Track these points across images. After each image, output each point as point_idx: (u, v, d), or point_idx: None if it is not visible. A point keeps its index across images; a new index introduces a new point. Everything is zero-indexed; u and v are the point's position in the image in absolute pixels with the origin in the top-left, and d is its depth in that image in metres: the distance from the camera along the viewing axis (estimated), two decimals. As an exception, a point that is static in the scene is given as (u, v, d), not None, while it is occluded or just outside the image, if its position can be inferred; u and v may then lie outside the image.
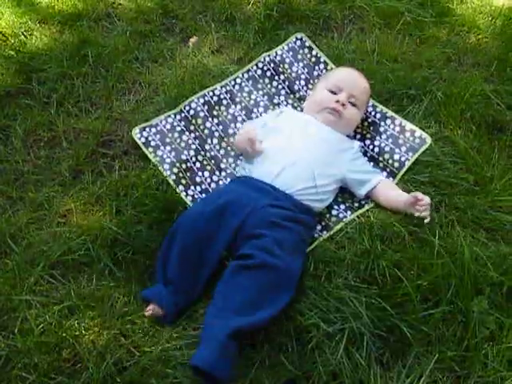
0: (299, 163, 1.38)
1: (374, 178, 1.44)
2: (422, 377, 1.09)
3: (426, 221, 1.31)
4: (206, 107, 1.68)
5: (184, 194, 1.48)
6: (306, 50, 1.84)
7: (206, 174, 1.56)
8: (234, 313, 1.11)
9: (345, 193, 1.49)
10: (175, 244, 1.25)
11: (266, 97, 1.75)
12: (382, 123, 1.61)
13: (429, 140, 1.53)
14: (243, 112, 1.71)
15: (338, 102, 1.50)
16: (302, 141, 1.44)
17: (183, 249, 1.24)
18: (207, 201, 1.39)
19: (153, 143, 1.59)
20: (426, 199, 1.32)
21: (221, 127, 1.67)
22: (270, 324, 1.16)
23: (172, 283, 1.24)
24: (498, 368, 1.10)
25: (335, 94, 1.53)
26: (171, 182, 1.49)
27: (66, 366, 1.13)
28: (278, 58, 1.81)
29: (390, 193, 1.42)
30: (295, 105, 1.74)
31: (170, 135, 1.61)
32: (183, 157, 1.56)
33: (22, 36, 1.95)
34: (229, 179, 1.54)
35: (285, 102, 1.74)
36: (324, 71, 1.78)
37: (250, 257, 1.17)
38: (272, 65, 1.80)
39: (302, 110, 1.67)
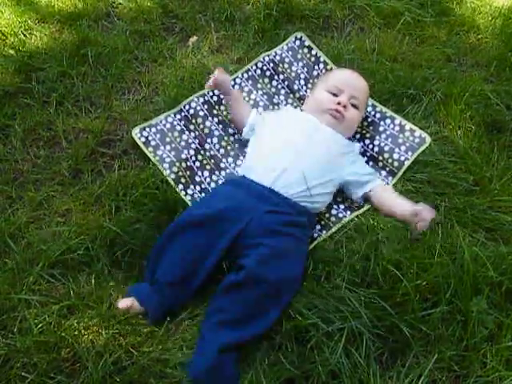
0: (299, 167, 1.36)
1: (372, 182, 1.44)
2: (421, 376, 1.09)
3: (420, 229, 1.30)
4: (206, 106, 1.68)
5: (183, 193, 1.48)
6: (306, 50, 1.84)
7: (206, 173, 1.56)
8: (226, 327, 1.13)
9: (345, 192, 1.49)
10: (170, 247, 1.24)
11: (265, 96, 1.75)
12: (382, 123, 1.61)
13: (428, 139, 1.53)
14: (243, 112, 1.71)
15: (339, 103, 1.49)
16: (302, 144, 1.42)
17: (178, 254, 1.23)
18: (206, 204, 1.36)
19: (153, 143, 1.59)
20: (427, 215, 1.30)
21: (221, 126, 1.67)
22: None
23: (158, 284, 1.23)
24: (497, 367, 1.10)
25: (335, 95, 1.52)
26: (171, 182, 1.49)
27: (65, 366, 1.13)
28: (278, 57, 1.81)
29: (388, 200, 1.41)
30: (295, 104, 1.74)
31: (169, 134, 1.61)
32: (183, 156, 1.56)
33: (22, 35, 1.95)
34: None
35: (284, 102, 1.74)
36: (323, 71, 1.78)
37: (247, 270, 1.17)
38: (271, 64, 1.80)
39: (301, 110, 1.67)
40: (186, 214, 1.32)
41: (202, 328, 1.17)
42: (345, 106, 1.49)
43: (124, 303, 1.21)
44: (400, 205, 1.38)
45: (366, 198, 1.45)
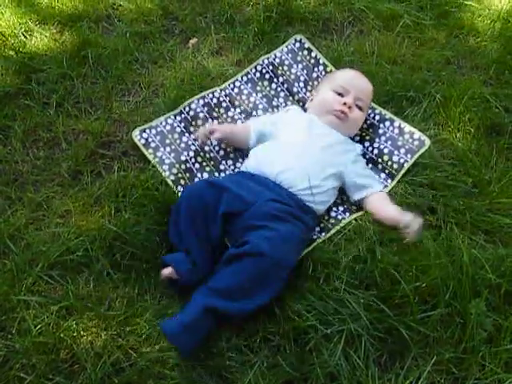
0: (302, 164, 1.38)
1: (370, 188, 1.43)
2: (420, 378, 1.09)
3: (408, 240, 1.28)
4: (206, 108, 1.68)
5: (183, 195, 1.48)
6: (305, 52, 1.84)
7: (206, 175, 1.56)
8: (220, 294, 1.15)
9: (343, 194, 1.50)
10: (182, 215, 1.28)
11: (264, 99, 1.75)
12: (381, 125, 1.61)
13: (428, 142, 1.53)
14: (242, 115, 1.71)
15: (345, 104, 1.50)
16: (305, 141, 1.45)
17: (191, 218, 1.27)
18: (210, 180, 1.43)
19: (153, 144, 1.59)
20: (414, 226, 1.27)
21: (220, 128, 1.67)
22: (265, 325, 1.18)
23: (191, 252, 1.26)
24: (496, 370, 1.10)
25: (341, 95, 1.53)
26: (170, 183, 1.49)
27: (63, 367, 1.14)
28: (277, 60, 1.82)
29: (382, 208, 1.39)
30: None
31: (169, 136, 1.61)
32: (183, 158, 1.56)
33: (22, 36, 1.95)
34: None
35: (284, 104, 1.75)
36: (323, 73, 1.78)
37: (250, 244, 1.18)
38: (271, 67, 1.80)
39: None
40: (189, 187, 1.38)
41: (195, 292, 1.20)
42: (350, 107, 1.50)
43: (165, 273, 1.25)
44: (390, 215, 1.35)
45: (360, 202, 1.44)
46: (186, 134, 1.63)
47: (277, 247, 1.18)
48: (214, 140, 1.52)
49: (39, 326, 1.18)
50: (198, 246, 1.26)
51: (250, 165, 1.46)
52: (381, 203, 1.41)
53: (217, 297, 1.15)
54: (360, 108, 1.53)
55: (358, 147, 1.55)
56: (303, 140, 1.45)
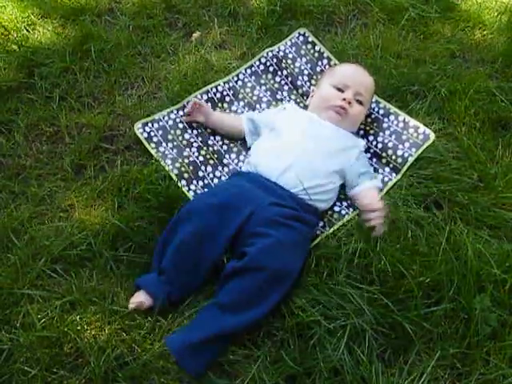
0: (303, 162, 1.37)
1: (369, 182, 1.43)
2: (424, 374, 1.08)
3: (374, 233, 1.28)
4: (209, 104, 1.67)
5: (186, 188, 1.48)
6: (309, 46, 1.83)
7: (209, 168, 1.55)
8: (227, 311, 1.14)
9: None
10: (175, 235, 1.25)
11: (268, 92, 1.75)
12: (386, 119, 1.60)
13: (432, 136, 1.52)
14: (246, 108, 1.70)
15: (344, 99, 1.49)
16: (305, 139, 1.43)
17: (183, 241, 1.23)
18: (211, 194, 1.39)
19: (155, 139, 1.58)
20: (377, 210, 1.30)
21: (223, 123, 1.66)
22: (268, 320, 1.18)
23: (166, 273, 1.23)
24: (500, 365, 1.09)
25: (341, 90, 1.51)
26: (173, 177, 1.48)
27: (67, 361, 1.14)
28: (281, 53, 1.80)
29: (366, 194, 1.41)
30: (298, 100, 1.73)
31: (172, 132, 1.61)
32: (185, 153, 1.56)
33: (25, 30, 1.95)
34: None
35: (288, 98, 1.74)
36: (327, 67, 1.77)
37: (249, 257, 1.17)
38: (275, 60, 1.79)
39: (304, 106, 1.67)
40: (190, 204, 1.33)
41: (203, 309, 1.18)
42: (350, 103, 1.49)
43: (136, 299, 1.20)
44: (367, 199, 1.38)
45: (355, 197, 1.44)
46: (189, 130, 1.62)
47: (277, 257, 1.17)
48: (189, 106, 1.56)
49: (43, 320, 1.19)
50: (182, 270, 1.22)
51: (252, 163, 1.45)
52: (368, 191, 1.42)
53: (226, 315, 1.13)
54: (360, 103, 1.52)
55: (362, 143, 1.53)
56: (304, 139, 1.43)
